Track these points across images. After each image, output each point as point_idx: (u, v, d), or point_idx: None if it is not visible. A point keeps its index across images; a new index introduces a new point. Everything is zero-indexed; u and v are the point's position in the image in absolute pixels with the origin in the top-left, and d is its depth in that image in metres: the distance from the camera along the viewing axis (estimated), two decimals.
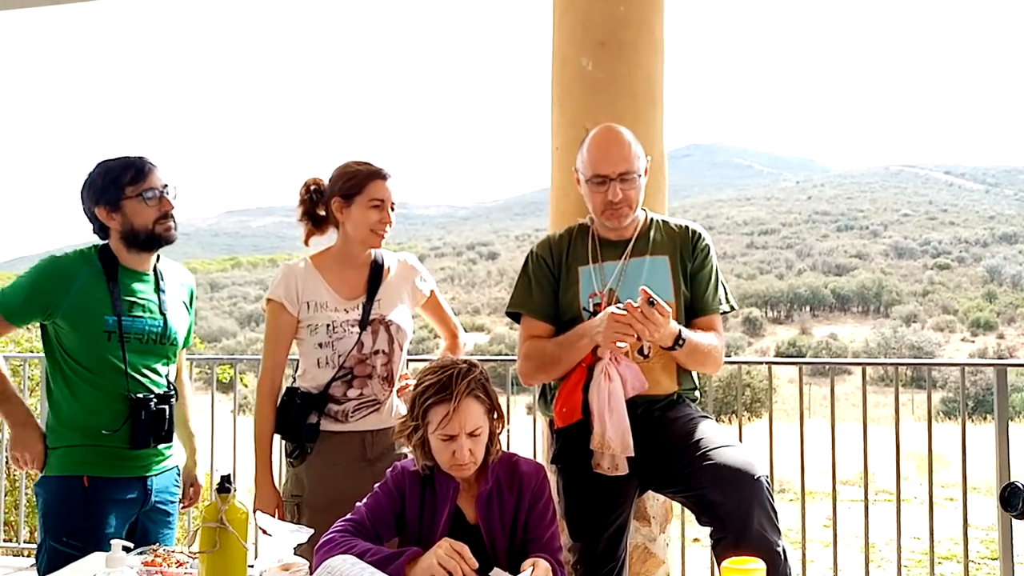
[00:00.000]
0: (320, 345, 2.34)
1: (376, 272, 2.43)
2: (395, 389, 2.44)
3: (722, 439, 2.19)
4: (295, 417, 2.32)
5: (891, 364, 3.70)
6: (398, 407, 2.44)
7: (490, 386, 1.95)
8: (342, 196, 2.35)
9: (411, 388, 2.48)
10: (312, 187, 2.44)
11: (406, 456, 2.36)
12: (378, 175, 2.36)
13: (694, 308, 2.38)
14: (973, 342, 59.75)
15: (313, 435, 2.32)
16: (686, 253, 2.40)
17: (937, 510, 3.34)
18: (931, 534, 3.33)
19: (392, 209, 2.38)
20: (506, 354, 3.33)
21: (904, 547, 3.42)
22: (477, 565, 1.74)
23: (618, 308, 2.11)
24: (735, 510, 2.04)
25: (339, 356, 2.33)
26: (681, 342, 2.20)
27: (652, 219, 2.43)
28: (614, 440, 2.15)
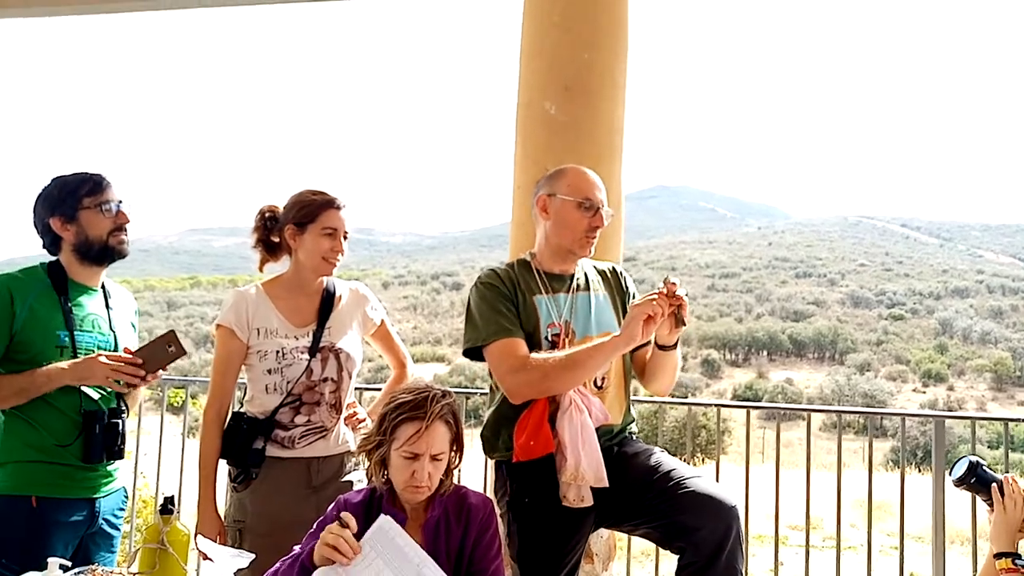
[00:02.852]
0: (269, 371, 2.34)
1: (327, 300, 2.45)
2: (343, 417, 2.45)
3: (692, 471, 2.27)
4: (241, 442, 2.31)
5: (835, 411, 3.79)
6: (345, 435, 2.45)
7: (459, 416, 1.98)
8: (295, 224, 2.38)
9: (358, 416, 2.50)
10: (267, 214, 2.46)
11: (351, 484, 2.37)
12: (331, 204, 2.38)
13: None
14: (924, 392, 60.96)
15: (259, 460, 2.31)
16: (619, 291, 2.51)
17: (883, 558, 3.40)
18: None
19: (345, 238, 2.42)
20: (466, 386, 3.34)
21: None
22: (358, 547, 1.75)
23: (643, 300, 2.16)
24: (711, 535, 2.10)
25: (288, 383, 2.34)
26: (677, 341, 2.31)
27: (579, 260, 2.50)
28: (588, 472, 2.17)
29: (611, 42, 2.86)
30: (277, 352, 2.33)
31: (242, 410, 2.38)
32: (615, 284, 2.51)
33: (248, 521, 2.30)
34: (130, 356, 2.21)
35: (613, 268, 2.56)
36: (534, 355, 2.25)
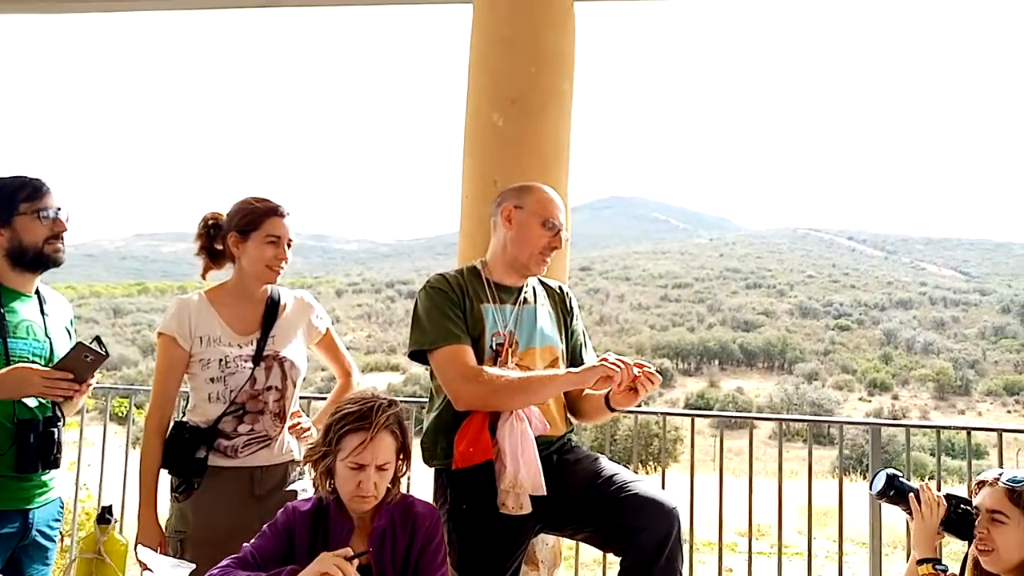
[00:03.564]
0: (212, 380, 2.33)
1: (272, 308, 2.45)
2: (287, 426, 2.44)
3: (633, 476, 2.33)
4: (183, 451, 2.29)
5: (777, 419, 3.87)
6: (289, 443, 2.44)
7: (405, 425, 1.99)
8: (239, 231, 2.37)
9: (302, 425, 2.49)
10: (210, 222, 2.45)
11: (295, 494, 2.37)
12: (275, 212, 2.38)
13: (571, 360, 2.53)
14: (870, 401, 62.36)
15: (201, 469, 2.29)
16: (564, 310, 2.57)
17: (828, 563, 3.46)
18: None
19: (289, 246, 2.41)
20: (420, 396, 3.33)
21: None
22: (349, 552, 1.75)
23: (612, 362, 2.20)
24: (652, 536, 2.16)
25: (231, 391, 2.33)
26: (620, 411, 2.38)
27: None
28: (526, 480, 2.21)
29: (558, 57, 2.91)
30: (220, 360, 2.32)
31: (184, 419, 2.36)
32: (560, 303, 2.57)
33: (190, 532, 2.27)
34: (58, 372, 2.14)
35: (560, 287, 2.62)
36: (489, 369, 2.28)
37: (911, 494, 2.16)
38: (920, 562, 2.10)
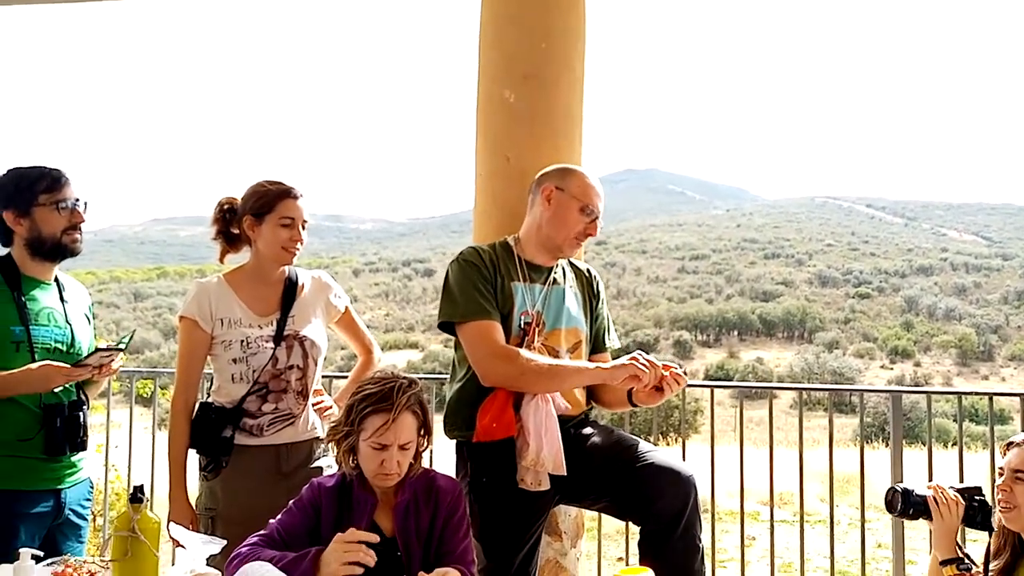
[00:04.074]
0: (234, 361, 2.37)
1: (290, 289, 2.48)
2: (310, 404, 2.47)
3: (649, 446, 2.37)
4: (209, 431, 2.34)
5: (798, 388, 3.88)
6: (313, 421, 2.49)
7: (426, 403, 2.03)
8: (253, 215, 2.40)
9: (324, 404, 2.52)
10: (225, 206, 2.48)
11: (320, 470, 2.41)
12: (288, 194, 2.40)
13: (593, 343, 2.56)
14: (892, 369, 62.01)
15: (228, 448, 2.34)
16: (590, 292, 2.59)
17: (851, 530, 3.47)
18: (832, 552, 3.49)
19: (303, 227, 2.43)
20: (439, 372, 3.36)
21: (817, 566, 3.55)
22: (375, 538, 1.79)
23: (642, 362, 2.22)
24: (670, 504, 2.20)
25: (253, 371, 2.36)
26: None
27: None
28: (548, 459, 2.25)
29: (568, 32, 2.89)
30: (242, 342, 2.35)
31: (209, 400, 2.40)
32: (588, 285, 2.59)
33: (220, 509, 2.33)
34: (78, 370, 2.22)
35: (588, 270, 2.63)
36: (522, 352, 2.31)
37: (928, 497, 2.15)
38: (944, 563, 2.10)
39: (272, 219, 2.39)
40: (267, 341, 2.39)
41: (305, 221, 2.44)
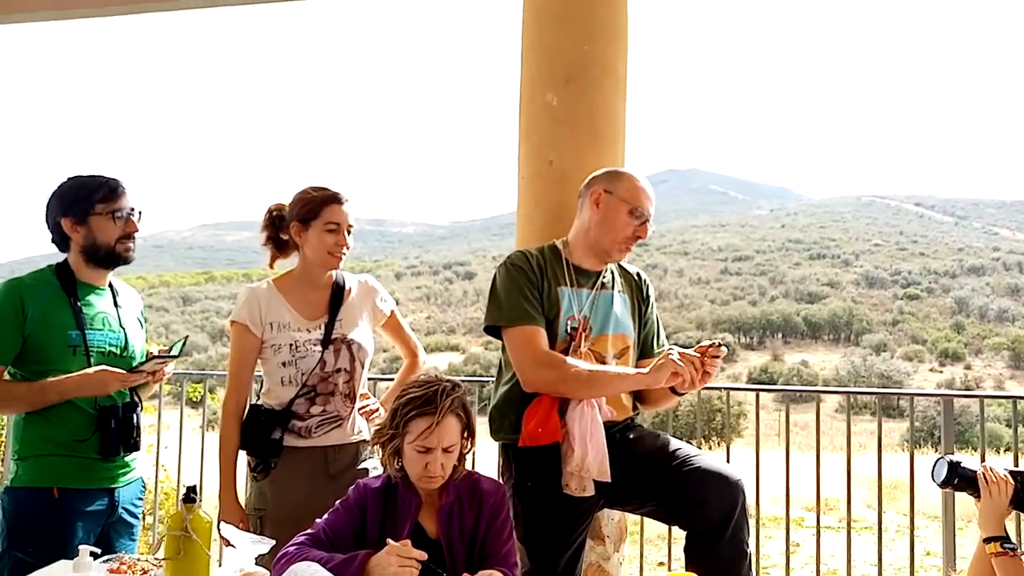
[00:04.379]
0: (284, 364, 2.41)
1: (337, 293, 2.51)
2: (357, 406, 2.51)
3: (696, 450, 2.36)
4: (259, 433, 2.39)
5: (845, 392, 3.81)
6: (359, 424, 2.52)
7: (469, 406, 2.03)
8: (299, 221, 2.44)
9: (370, 406, 2.55)
10: (274, 213, 2.53)
11: (367, 472, 2.44)
12: (333, 200, 2.43)
13: (642, 349, 2.54)
14: (941, 372, 60.55)
15: (277, 450, 2.38)
16: (639, 297, 2.57)
17: (899, 537, 3.40)
18: (879, 559, 3.43)
19: (349, 232, 2.47)
20: (480, 375, 3.36)
21: (863, 574, 3.48)
22: (425, 555, 1.79)
23: (678, 360, 2.20)
24: (718, 508, 2.18)
25: (302, 374, 2.40)
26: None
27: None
28: (593, 465, 2.24)
29: (611, 34, 2.89)
30: (290, 345, 2.40)
31: (259, 402, 2.45)
32: (637, 290, 2.57)
33: (268, 509, 2.37)
34: (134, 376, 2.32)
35: (638, 274, 2.61)
36: (565, 359, 2.30)
37: (979, 474, 2.14)
38: (987, 540, 2.08)
39: (318, 225, 2.42)
40: (315, 344, 2.42)
41: (351, 226, 2.47)
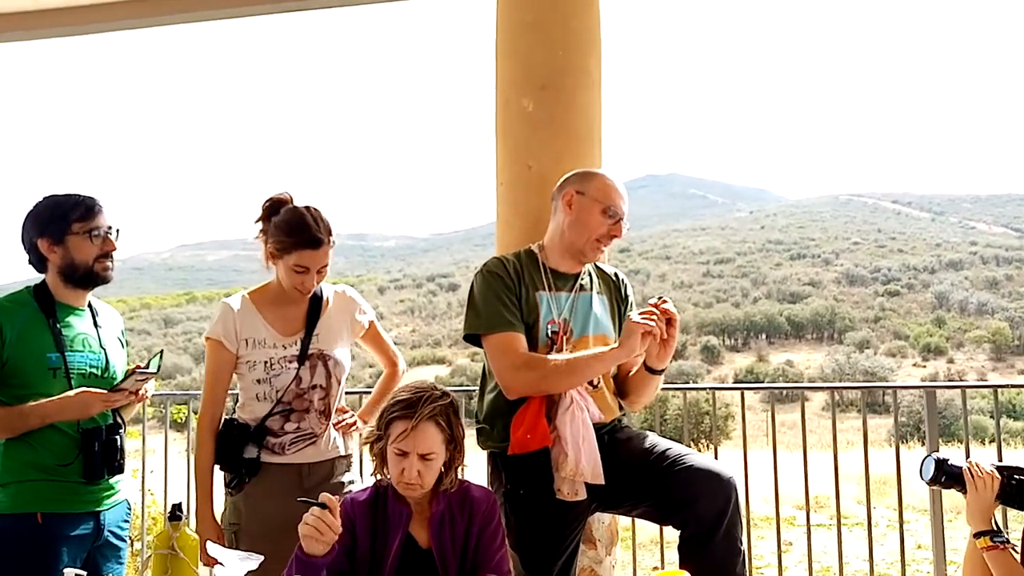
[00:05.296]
0: (258, 381, 2.39)
1: (315, 306, 2.48)
2: (332, 422, 2.48)
3: (685, 449, 2.35)
4: (232, 447, 2.36)
5: (828, 388, 3.82)
6: (335, 440, 2.49)
7: (455, 418, 2.02)
8: (275, 248, 2.38)
9: (346, 420, 2.53)
10: (271, 205, 2.42)
11: (343, 485, 2.43)
12: (308, 245, 2.33)
13: None
14: (924, 367, 61.11)
15: (255, 468, 2.36)
16: (618, 298, 2.56)
17: (890, 532, 3.40)
18: (870, 555, 3.44)
19: (321, 272, 2.38)
20: (467, 386, 3.36)
21: (856, 569, 3.48)
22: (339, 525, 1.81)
23: (642, 320, 2.22)
24: (711, 507, 2.18)
25: (276, 391, 2.38)
26: (665, 367, 2.38)
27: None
28: (587, 469, 2.23)
29: (584, 40, 2.90)
30: (265, 363, 2.38)
31: (234, 416, 2.43)
32: (616, 290, 2.56)
33: (243, 524, 2.35)
34: (116, 395, 2.25)
35: (616, 274, 2.61)
36: (536, 355, 2.30)
37: (964, 470, 2.15)
38: (977, 535, 2.09)
39: (288, 260, 2.36)
40: (291, 361, 2.39)
41: (325, 265, 2.38)
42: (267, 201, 2.44)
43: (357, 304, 2.59)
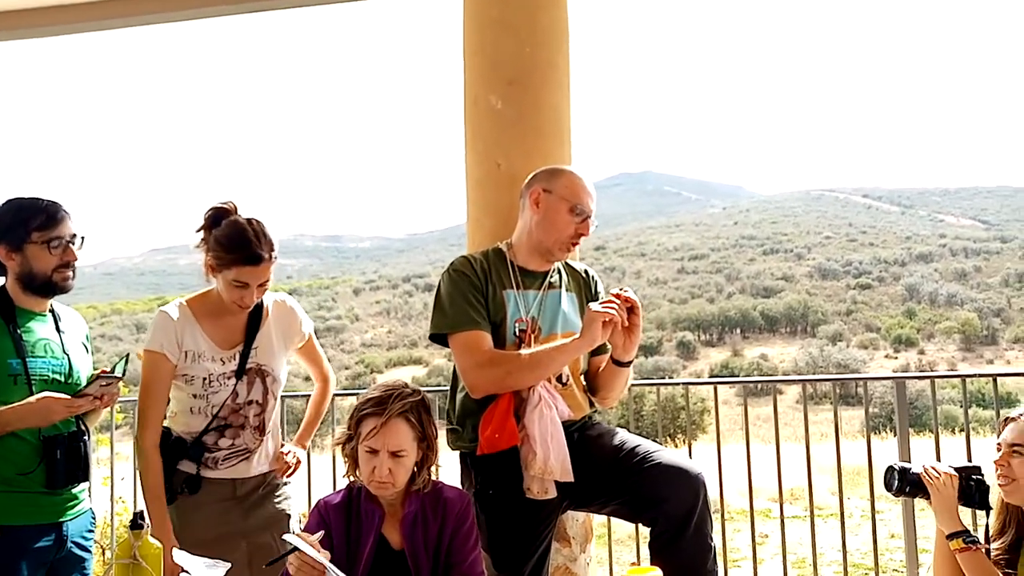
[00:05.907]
0: (195, 396, 2.34)
1: (255, 317, 2.42)
2: (267, 438, 2.43)
3: (655, 446, 2.35)
4: (167, 459, 2.31)
5: (800, 380, 3.85)
6: (268, 453, 2.45)
7: (427, 416, 2.01)
8: (214, 261, 2.31)
9: (287, 461, 2.46)
10: (213, 215, 2.34)
11: (278, 488, 2.44)
12: (248, 261, 2.25)
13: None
14: (896, 358, 61.86)
15: (196, 485, 2.32)
16: (588, 294, 2.56)
17: (864, 522, 3.43)
18: (843, 545, 3.47)
19: (262, 286, 2.31)
20: (444, 386, 3.35)
21: (830, 560, 3.52)
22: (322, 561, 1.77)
23: (602, 310, 2.22)
24: (680, 504, 2.19)
25: (213, 407, 2.34)
26: (632, 359, 2.36)
27: None
28: (556, 467, 2.23)
29: (552, 36, 2.90)
30: (204, 379, 2.32)
31: (166, 425, 2.37)
32: (585, 286, 2.56)
33: (176, 532, 2.29)
34: (80, 400, 2.18)
35: (586, 271, 2.60)
36: (499, 351, 2.29)
37: (922, 475, 2.16)
38: (949, 537, 2.10)
39: (227, 275, 2.29)
40: (229, 377, 2.35)
41: (267, 280, 2.31)
42: (209, 210, 2.34)
43: (297, 315, 2.51)
